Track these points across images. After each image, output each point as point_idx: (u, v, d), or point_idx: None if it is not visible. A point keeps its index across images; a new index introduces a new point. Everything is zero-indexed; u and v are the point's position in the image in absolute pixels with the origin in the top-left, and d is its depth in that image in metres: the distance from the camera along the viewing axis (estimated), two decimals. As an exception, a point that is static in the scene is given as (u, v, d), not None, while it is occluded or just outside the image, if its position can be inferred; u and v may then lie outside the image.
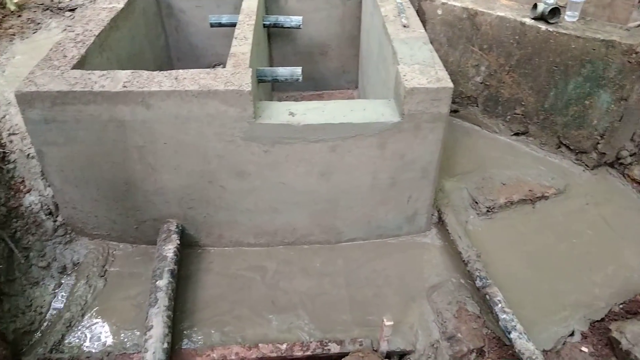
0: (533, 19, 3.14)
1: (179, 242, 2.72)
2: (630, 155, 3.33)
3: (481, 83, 3.56)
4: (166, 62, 4.16)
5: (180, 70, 2.48)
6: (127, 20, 3.26)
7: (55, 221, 2.85)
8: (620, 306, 2.63)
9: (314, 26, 4.11)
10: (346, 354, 2.34)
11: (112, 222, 2.85)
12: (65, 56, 2.61)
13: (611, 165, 3.41)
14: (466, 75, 3.61)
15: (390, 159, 2.64)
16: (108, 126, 2.45)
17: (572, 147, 3.37)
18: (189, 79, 2.41)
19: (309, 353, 2.37)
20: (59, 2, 4.14)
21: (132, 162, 2.58)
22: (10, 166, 2.84)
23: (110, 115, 2.41)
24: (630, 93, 2.98)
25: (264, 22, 3.63)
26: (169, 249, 2.66)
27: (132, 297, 2.65)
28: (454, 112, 3.86)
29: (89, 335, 2.47)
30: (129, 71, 2.47)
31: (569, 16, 3.13)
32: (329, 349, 2.37)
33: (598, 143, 3.23)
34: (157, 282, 2.47)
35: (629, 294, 2.69)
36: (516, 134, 3.60)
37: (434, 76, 2.48)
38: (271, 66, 4.27)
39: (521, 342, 2.28)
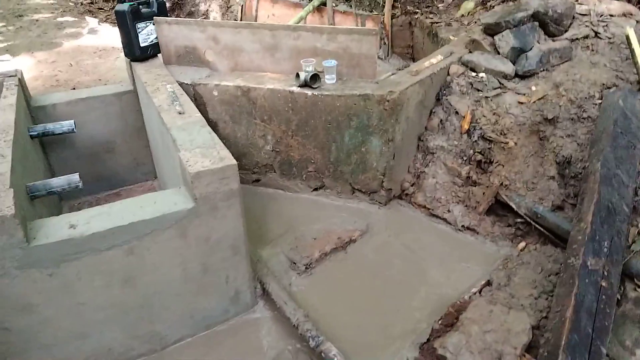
0: (299, 86, 3.44)
1: (-41, 415, 2.20)
2: (411, 185, 3.78)
3: (272, 150, 3.74)
4: None
5: None
6: None
7: None
8: (440, 322, 2.87)
9: (92, 126, 3.90)
10: None
11: None
12: None
13: (400, 197, 3.83)
14: (257, 146, 3.76)
15: (195, 245, 2.56)
16: None
17: (363, 190, 3.71)
18: None
19: None
20: None
21: None
22: None
23: None
24: (393, 135, 3.42)
25: (31, 134, 3.32)
26: None
27: None
28: (256, 181, 3.97)
29: None
30: None
31: (328, 79, 3.50)
32: None
33: (383, 182, 3.61)
34: None
35: (443, 308, 2.96)
36: (315, 189, 3.83)
37: (217, 156, 2.51)
38: (53, 177, 3.90)
39: (362, 389, 2.32)
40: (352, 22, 6.14)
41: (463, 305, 2.91)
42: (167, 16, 3.92)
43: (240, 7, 7.49)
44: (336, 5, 6.27)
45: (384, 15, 5.88)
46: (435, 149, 3.73)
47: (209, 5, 7.83)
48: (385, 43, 6.02)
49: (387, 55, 6.05)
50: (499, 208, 3.55)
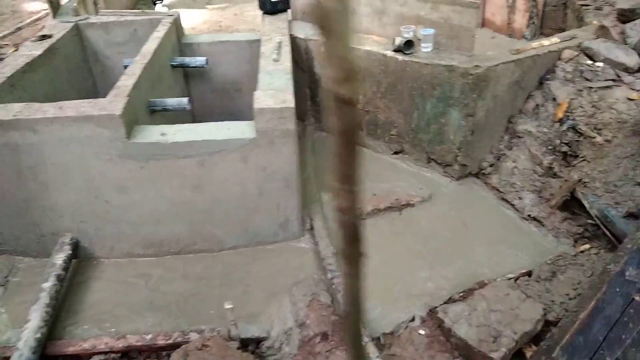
0: (393, 51, 3.63)
1: (70, 252, 3.08)
2: (490, 166, 3.74)
3: (362, 109, 4.02)
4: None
5: (67, 102, 2.92)
6: (45, 65, 3.71)
7: (-34, 238, 3.21)
8: (461, 294, 2.97)
9: (226, 66, 4.61)
10: (204, 340, 2.65)
11: (16, 238, 3.20)
12: (-27, 94, 3.06)
13: (476, 175, 3.82)
14: (350, 103, 4.06)
15: (254, 171, 3.05)
16: (3, 150, 2.86)
17: (439, 161, 3.79)
18: (71, 107, 2.85)
19: (171, 342, 2.67)
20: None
21: (27, 181, 2.97)
22: None
23: (4, 140, 2.83)
24: (474, 110, 3.43)
25: (172, 63, 4.12)
26: (59, 258, 3.01)
27: (27, 302, 2.91)
28: (346, 136, 4.30)
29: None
30: (23, 104, 2.91)
31: (424, 47, 3.62)
32: (189, 337, 2.68)
33: (457, 156, 3.65)
34: (42, 285, 2.82)
35: (471, 284, 3.02)
36: (395, 153, 4.03)
37: (281, 99, 2.92)
38: (192, 103, 4.76)
39: (353, 321, 2.61)
40: (504, -3, 5.88)
41: (487, 284, 2.93)
42: (301, -24, 4.37)
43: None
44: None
45: (537, -8, 5.51)
46: (523, 134, 3.61)
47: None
48: (534, 23, 5.66)
49: (534, 36, 5.70)
50: (575, 206, 3.35)
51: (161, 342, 2.68)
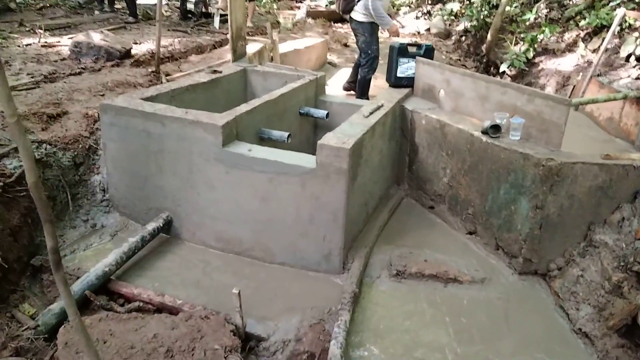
0: (481, 132, 3.78)
1: (161, 225, 3.85)
2: (558, 269, 3.49)
3: (447, 183, 4.15)
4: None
5: (192, 110, 3.78)
6: (205, 91, 4.78)
7: (104, 196, 4.25)
8: (460, 373, 2.85)
9: (347, 124, 5.20)
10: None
11: (134, 206, 4.12)
12: (143, 94, 4.16)
13: (543, 277, 3.58)
14: (438, 176, 4.24)
15: (309, 197, 3.46)
16: (141, 134, 3.82)
17: (505, 250, 3.67)
18: (192, 114, 3.69)
19: (192, 311, 3.15)
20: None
21: (150, 162, 3.87)
22: (96, 157, 4.40)
23: (144, 127, 3.79)
24: (544, 203, 3.34)
25: (300, 111, 4.87)
26: (151, 225, 3.79)
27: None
28: (431, 207, 4.43)
29: (77, 261, 3.65)
30: (165, 105, 3.87)
31: (513, 135, 3.68)
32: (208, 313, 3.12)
33: (522, 248, 3.52)
34: (129, 239, 3.61)
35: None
36: (469, 233, 4.01)
37: (342, 141, 3.34)
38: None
39: (333, 348, 2.76)
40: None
41: (488, 370, 2.77)
42: (432, 59, 4.82)
43: (572, 87, 7.48)
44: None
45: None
46: (599, 244, 3.33)
47: (548, 80, 8.07)
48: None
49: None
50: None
51: (186, 308, 3.17)
